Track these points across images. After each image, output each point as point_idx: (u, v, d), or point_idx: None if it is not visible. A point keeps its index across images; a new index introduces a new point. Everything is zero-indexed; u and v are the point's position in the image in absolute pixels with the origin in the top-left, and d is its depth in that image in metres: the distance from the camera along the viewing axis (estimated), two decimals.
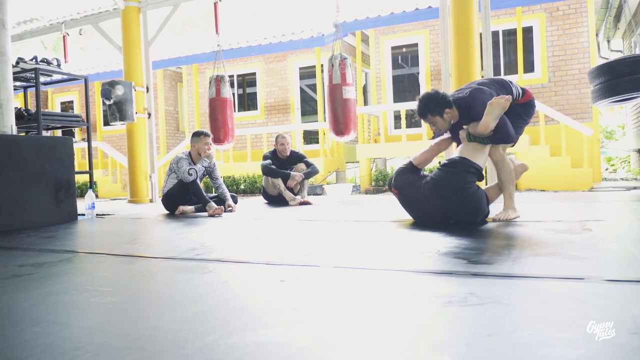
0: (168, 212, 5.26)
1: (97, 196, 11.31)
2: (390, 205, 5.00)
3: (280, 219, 4.25)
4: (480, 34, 6.11)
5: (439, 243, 2.56)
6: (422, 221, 3.48)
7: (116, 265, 2.36)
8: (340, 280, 1.88)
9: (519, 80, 9.28)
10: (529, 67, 9.62)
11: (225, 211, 4.98)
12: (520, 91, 3.63)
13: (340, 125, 6.28)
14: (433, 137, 3.99)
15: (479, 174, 3.33)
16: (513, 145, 3.82)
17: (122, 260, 2.46)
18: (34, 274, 2.15)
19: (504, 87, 3.55)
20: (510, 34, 9.83)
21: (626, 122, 13.25)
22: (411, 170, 3.66)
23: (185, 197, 5.10)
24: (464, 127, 3.52)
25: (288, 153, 6.20)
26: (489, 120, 3.27)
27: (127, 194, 10.57)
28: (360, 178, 10.07)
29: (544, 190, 8.14)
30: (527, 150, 8.43)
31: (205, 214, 4.88)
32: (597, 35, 10.91)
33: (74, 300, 1.71)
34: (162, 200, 5.25)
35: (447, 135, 3.75)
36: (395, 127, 10.59)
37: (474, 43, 6.07)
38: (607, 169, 12.63)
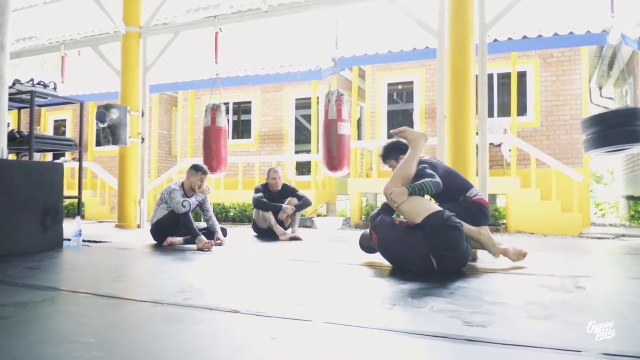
0: (156, 242, 5.17)
1: (83, 216, 11.16)
2: None
3: (270, 257, 4.20)
4: (477, 75, 6.20)
5: (432, 297, 2.51)
6: (402, 267, 3.46)
7: (101, 308, 2.29)
8: (332, 340, 1.83)
9: (512, 122, 9.39)
10: (522, 110, 9.75)
11: (214, 244, 4.90)
12: (479, 195, 3.88)
13: (334, 160, 6.28)
14: None
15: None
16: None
17: (107, 303, 2.39)
18: (17, 317, 2.08)
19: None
20: (504, 77, 9.99)
21: (615, 167, 13.40)
22: (385, 210, 3.73)
23: (175, 228, 5.03)
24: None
25: (279, 187, 6.18)
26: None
27: (114, 216, 10.45)
28: (350, 212, 10.04)
29: (533, 234, 8.15)
30: (518, 192, 8.47)
31: (194, 246, 4.81)
32: (589, 81, 11.12)
33: (58, 353, 1.64)
34: (150, 230, 5.17)
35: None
36: None
37: (470, 87, 6.15)
38: (595, 214, 12.73)
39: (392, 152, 4.01)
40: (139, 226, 8.00)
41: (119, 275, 3.24)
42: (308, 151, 12.62)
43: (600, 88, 12.95)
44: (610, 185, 14.71)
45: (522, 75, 9.75)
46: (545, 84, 9.66)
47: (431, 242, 3.24)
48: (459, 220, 3.33)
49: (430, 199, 3.88)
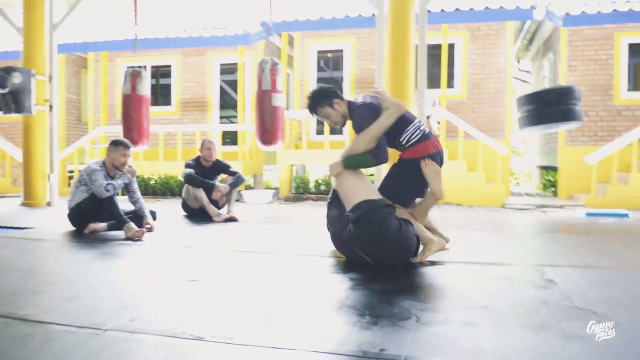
0: (75, 228, 4.58)
1: None
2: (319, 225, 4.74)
3: (211, 247, 3.82)
4: (417, 45, 6.03)
5: (410, 303, 2.29)
6: (353, 259, 3.19)
7: (27, 343, 1.84)
8: None
9: (442, 95, 9.42)
10: (450, 83, 9.80)
11: (145, 231, 4.38)
12: (416, 137, 3.38)
13: (268, 134, 5.91)
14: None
15: (389, 206, 3.13)
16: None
17: (32, 333, 1.93)
18: None
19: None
20: (433, 48, 9.92)
21: (529, 139, 14.05)
22: (334, 199, 3.40)
23: (97, 213, 4.45)
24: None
25: (213, 158, 5.75)
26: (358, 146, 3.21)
27: (18, 189, 9.43)
28: (280, 184, 9.73)
29: (460, 205, 8.31)
30: (446, 164, 8.51)
31: (121, 233, 4.29)
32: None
33: None
34: (68, 215, 4.56)
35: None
36: (318, 133, 10.35)
37: (410, 57, 5.97)
38: (511, 182, 13.33)
39: (324, 99, 3.39)
40: (49, 204, 7.22)
41: (39, 282, 2.73)
42: (233, 117, 12.02)
43: (519, 61, 13.40)
44: (523, 156, 15.48)
45: (450, 48, 9.75)
46: (472, 57, 9.74)
47: (352, 239, 3.07)
48: (386, 210, 3.03)
49: None
